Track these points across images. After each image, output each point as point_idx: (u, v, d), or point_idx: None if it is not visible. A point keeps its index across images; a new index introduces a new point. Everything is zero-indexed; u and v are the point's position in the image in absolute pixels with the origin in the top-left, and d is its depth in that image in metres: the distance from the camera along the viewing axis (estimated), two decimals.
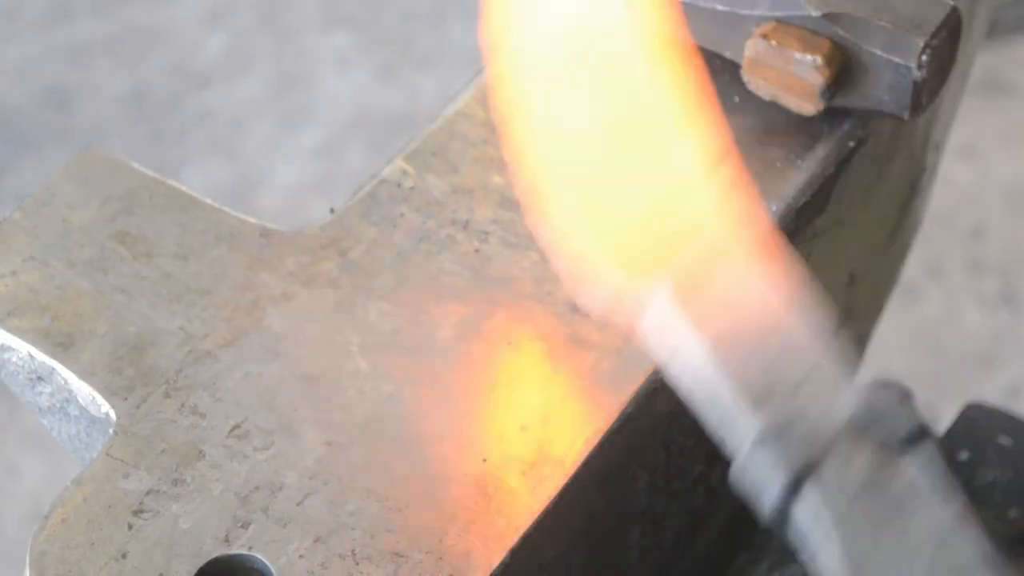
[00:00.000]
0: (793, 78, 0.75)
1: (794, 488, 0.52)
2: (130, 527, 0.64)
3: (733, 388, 0.53)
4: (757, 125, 0.78)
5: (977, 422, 1.00)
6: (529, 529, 0.64)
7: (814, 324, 0.55)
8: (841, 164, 0.77)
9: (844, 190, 0.78)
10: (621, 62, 0.58)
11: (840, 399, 0.53)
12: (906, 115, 0.75)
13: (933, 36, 0.74)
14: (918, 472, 0.52)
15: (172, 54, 2.35)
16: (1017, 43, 2.21)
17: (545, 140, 0.58)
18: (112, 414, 0.68)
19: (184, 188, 0.77)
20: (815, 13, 0.74)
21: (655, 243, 0.56)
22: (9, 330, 0.71)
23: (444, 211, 0.75)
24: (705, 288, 0.55)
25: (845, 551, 0.51)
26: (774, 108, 0.77)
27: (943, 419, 1.03)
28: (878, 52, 0.74)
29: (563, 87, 0.58)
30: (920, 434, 0.52)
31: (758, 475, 0.52)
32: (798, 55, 0.74)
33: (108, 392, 0.69)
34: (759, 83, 0.76)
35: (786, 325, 0.55)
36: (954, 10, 0.75)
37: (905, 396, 1.00)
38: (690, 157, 0.57)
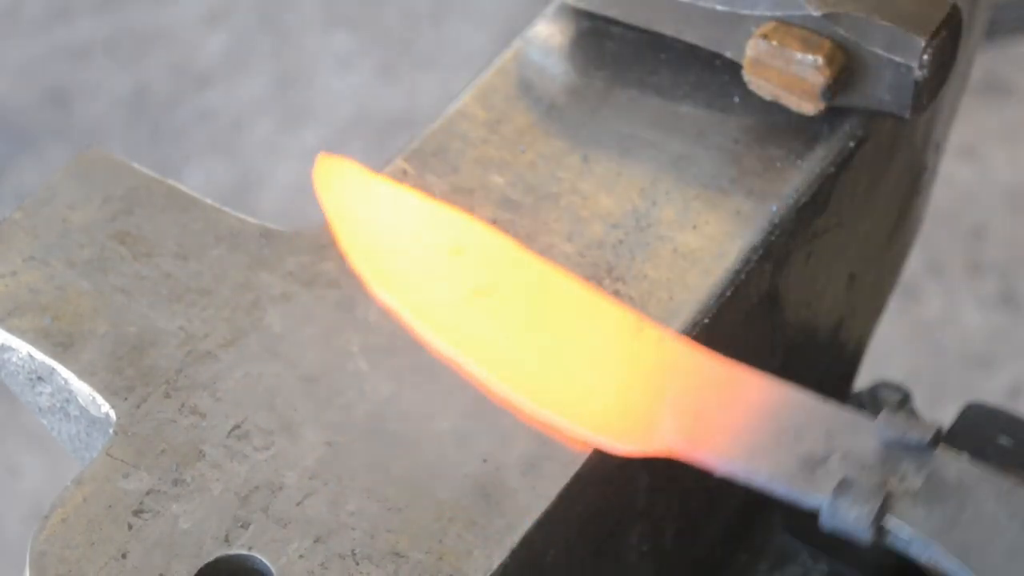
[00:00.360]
0: (794, 78, 0.75)
1: (879, 526, 0.61)
2: (130, 527, 0.64)
3: (781, 481, 0.63)
4: (757, 125, 0.78)
5: (977, 422, 1.00)
6: (529, 529, 0.64)
7: (794, 386, 0.65)
8: (841, 164, 0.77)
9: (844, 190, 0.78)
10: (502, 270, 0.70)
11: (864, 432, 0.63)
12: (907, 114, 0.75)
13: (934, 35, 0.74)
14: (955, 459, 0.62)
15: (172, 54, 2.35)
16: (1017, 43, 2.22)
17: (480, 343, 0.68)
18: (112, 414, 0.68)
19: (184, 188, 0.77)
20: (816, 13, 0.74)
21: (627, 401, 0.66)
22: (9, 330, 0.71)
23: None
24: (704, 416, 0.65)
25: (947, 550, 0.60)
26: (775, 108, 0.77)
27: (943, 419, 1.03)
28: (879, 51, 0.74)
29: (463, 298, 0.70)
30: (938, 432, 0.63)
31: (843, 524, 0.61)
32: (799, 55, 0.74)
33: (108, 392, 0.69)
34: (760, 83, 0.76)
35: (782, 402, 0.65)
36: (955, 9, 0.75)
37: (904, 396, 1.01)
38: (614, 327, 0.68)
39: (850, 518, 0.61)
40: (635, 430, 0.65)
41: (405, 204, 0.73)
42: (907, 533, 0.61)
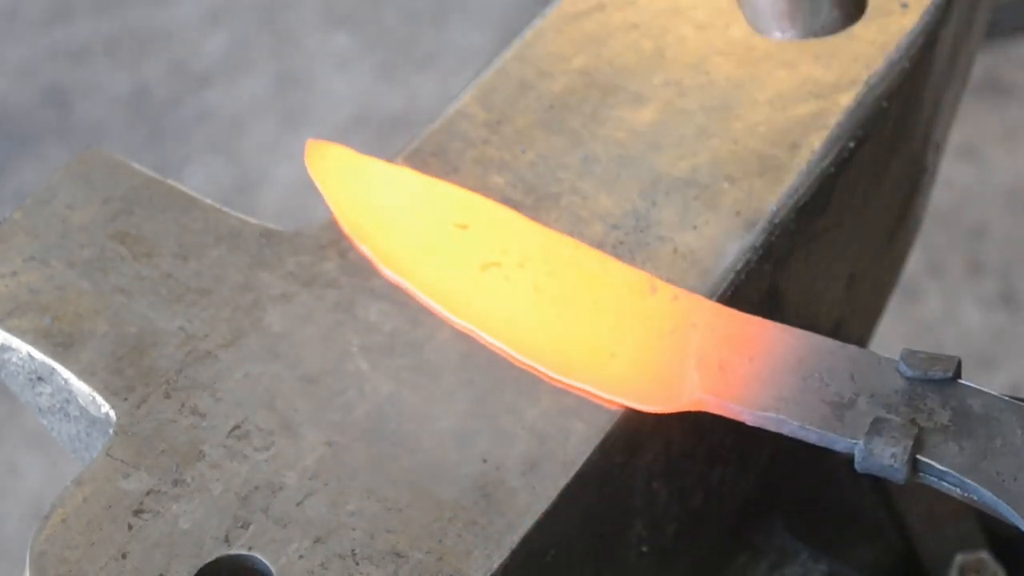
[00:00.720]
0: None
1: (912, 463, 0.61)
2: (130, 527, 0.64)
3: (812, 426, 0.63)
4: (757, 125, 0.78)
5: None
6: (529, 529, 0.64)
7: (810, 334, 0.66)
8: (841, 164, 0.77)
9: (844, 190, 0.78)
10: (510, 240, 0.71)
11: (887, 371, 0.64)
12: None
13: None
14: (978, 389, 0.63)
15: (172, 54, 2.35)
16: (1017, 43, 2.22)
17: (506, 323, 0.69)
18: (112, 414, 0.68)
19: (184, 188, 0.77)
20: None
21: (643, 361, 0.68)
22: (9, 330, 0.71)
23: None
24: (728, 367, 0.66)
25: (980, 482, 0.61)
26: (775, 109, 0.77)
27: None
28: None
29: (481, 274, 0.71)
30: (959, 364, 0.64)
31: (878, 465, 0.62)
32: None
33: (108, 392, 0.69)
34: None
35: (803, 348, 0.65)
36: None
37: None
38: (627, 289, 0.70)
39: (884, 458, 0.62)
40: (661, 388, 0.66)
41: (404, 182, 0.74)
42: (940, 469, 0.61)
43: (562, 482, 0.66)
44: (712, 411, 0.66)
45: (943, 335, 1.95)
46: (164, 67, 2.33)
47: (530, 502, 0.65)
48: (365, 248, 0.71)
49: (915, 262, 1.97)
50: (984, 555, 0.90)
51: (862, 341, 0.93)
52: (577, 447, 0.67)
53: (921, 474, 0.62)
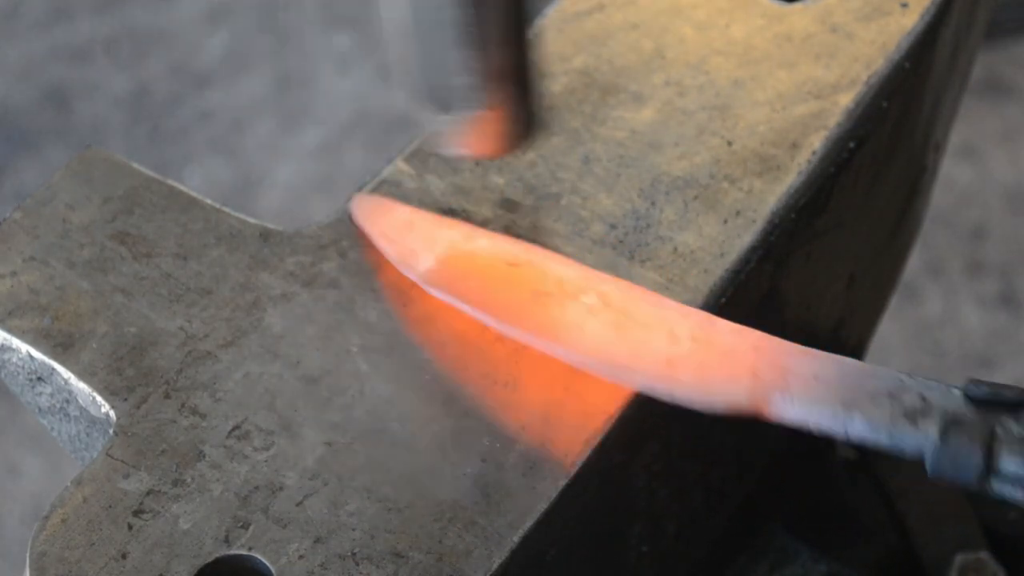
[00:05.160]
0: None
1: (988, 463, 0.61)
2: (130, 527, 0.64)
3: (882, 428, 0.63)
4: (757, 125, 0.78)
5: None
6: (529, 529, 0.64)
7: (878, 367, 0.65)
8: (841, 164, 0.77)
9: (844, 190, 0.78)
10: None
11: (957, 396, 0.63)
12: None
13: None
14: None
15: (172, 54, 2.35)
16: (1017, 43, 2.22)
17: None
18: (112, 414, 0.68)
19: (184, 188, 0.77)
20: None
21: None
22: (9, 330, 0.71)
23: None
24: (791, 375, 0.65)
25: None
26: (775, 109, 0.77)
27: None
28: None
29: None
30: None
31: (952, 465, 0.61)
32: None
33: (108, 392, 0.69)
34: None
35: (867, 375, 0.65)
36: None
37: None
38: (679, 319, 0.69)
39: (959, 457, 0.61)
40: (723, 386, 0.66)
41: (453, 227, 0.74)
42: (1017, 474, 0.60)
43: (562, 482, 0.66)
44: (775, 413, 0.65)
45: (943, 335, 1.95)
46: (164, 67, 2.33)
47: (530, 502, 0.65)
48: (411, 274, 0.71)
49: (915, 262, 1.97)
50: (984, 555, 0.90)
51: (862, 341, 0.93)
52: (577, 447, 0.67)
53: (994, 478, 0.61)
